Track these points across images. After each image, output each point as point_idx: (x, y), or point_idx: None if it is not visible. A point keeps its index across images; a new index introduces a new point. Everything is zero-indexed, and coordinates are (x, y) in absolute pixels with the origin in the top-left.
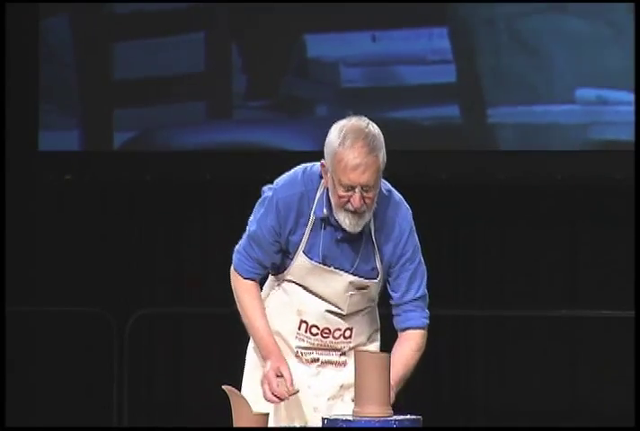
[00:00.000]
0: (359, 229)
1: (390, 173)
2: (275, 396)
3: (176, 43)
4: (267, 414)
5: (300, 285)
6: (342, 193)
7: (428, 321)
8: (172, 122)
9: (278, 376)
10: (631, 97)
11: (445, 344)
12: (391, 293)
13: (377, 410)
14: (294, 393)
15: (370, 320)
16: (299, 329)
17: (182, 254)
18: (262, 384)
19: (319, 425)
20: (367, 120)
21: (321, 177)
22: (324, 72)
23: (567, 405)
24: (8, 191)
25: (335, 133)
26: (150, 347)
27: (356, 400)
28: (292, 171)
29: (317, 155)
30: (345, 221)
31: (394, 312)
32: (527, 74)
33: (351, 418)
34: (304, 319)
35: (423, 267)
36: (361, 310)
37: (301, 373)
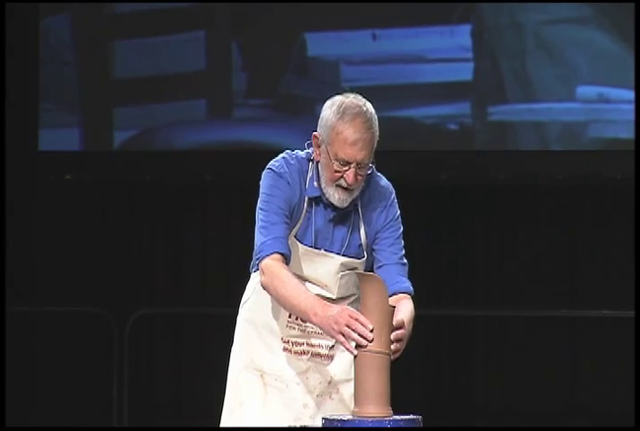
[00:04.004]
0: (346, 204)
1: (390, 173)
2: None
3: (176, 42)
4: (394, 307)
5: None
6: (336, 168)
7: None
8: (172, 121)
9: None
10: (631, 95)
11: (445, 344)
12: (377, 256)
13: (376, 410)
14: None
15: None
16: (290, 316)
17: (181, 254)
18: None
19: (309, 421)
20: (362, 99)
21: (308, 160)
22: (324, 70)
23: (567, 405)
24: (8, 191)
25: (334, 107)
26: (150, 347)
27: (356, 399)
28: (279, 156)
29: None
30: (335, 195)
31: (381, 273)
32: (523, 73)
33: (350, 418)
34: None
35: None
36: (349, 296)
37: (291, 370)
